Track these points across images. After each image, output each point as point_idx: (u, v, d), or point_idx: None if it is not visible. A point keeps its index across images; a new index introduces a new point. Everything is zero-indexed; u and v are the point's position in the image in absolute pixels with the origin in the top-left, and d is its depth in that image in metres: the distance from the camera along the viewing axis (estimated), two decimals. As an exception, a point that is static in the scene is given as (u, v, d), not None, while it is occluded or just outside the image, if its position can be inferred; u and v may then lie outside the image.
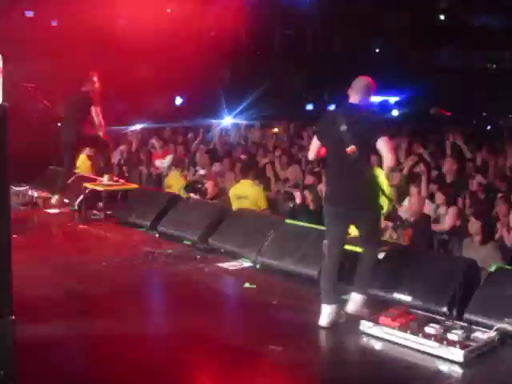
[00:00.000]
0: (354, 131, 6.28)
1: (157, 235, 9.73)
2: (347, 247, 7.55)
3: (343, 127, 6.30)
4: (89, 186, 11.27)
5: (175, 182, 12.07)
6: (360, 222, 6.67)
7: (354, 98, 6.51)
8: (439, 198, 9.83)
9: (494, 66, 34.37)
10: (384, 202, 6.67)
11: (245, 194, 10.61)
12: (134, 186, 11.93)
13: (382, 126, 6.62)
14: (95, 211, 11.12)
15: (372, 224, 6.66)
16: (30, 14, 20.33)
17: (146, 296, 7.57)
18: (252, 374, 5.48)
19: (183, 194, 11.02)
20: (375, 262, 6.73)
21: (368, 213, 6.55)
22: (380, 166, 6.76)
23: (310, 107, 27.43)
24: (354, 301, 6.64)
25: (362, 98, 6.49)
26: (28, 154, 10.92)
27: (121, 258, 8.50)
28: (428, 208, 9.69)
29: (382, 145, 6.29)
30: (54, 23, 21.12)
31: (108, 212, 10.89)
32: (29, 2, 20.04)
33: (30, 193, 11.81)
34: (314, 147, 6.77)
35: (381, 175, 6.60)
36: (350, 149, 6.23)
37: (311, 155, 6.97)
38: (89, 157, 13.77)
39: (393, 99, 28.66)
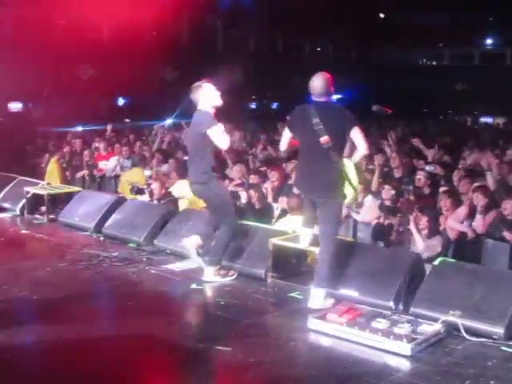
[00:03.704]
0: (327, 123, 6.62)
1: (101, 238, 9.62)
2: (295, 245, 7.62)
3: (316, 119, 6.64)
4: (30, 189, 11.12)
5: (140, 179, 12.02)
6: (320, 210, 6.89)
7: (318, 97, 6.81)
8: (386, 192, 9.89)
9: (434, 63, 34.84)
10: (349, 191, 6.88)
11: (182, 194, 10.62)
12: (77, 188, 11.80)
13: (352, 117, 6.80)
14: (38, 215, 10.96)
15: (330, 214, 6.81)
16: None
17: (92, 300, 7.46)
18: (201, 376, 5.46)
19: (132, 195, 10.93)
20: (331, 256, 6.78)
21: (329, 201, 6.77)
22: (349, 157, 7.04)
23: (253, 106, 27.47)
24: (314, 296, 6.71)
25: (325, 94, 6.82)
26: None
27: (65, 263, 8.37)
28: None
29: (356, 134, 6.68)
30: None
31: (51, 216, 10.75)
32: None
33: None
34: (286, 139, 7.15)
35: (350, 166, 6.87)
36: (324, 139, 6.57)
37: (283, 147, 7.32)
38: (58, 160, 13.65)
39: (335, 97, 28.88)
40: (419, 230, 8.60)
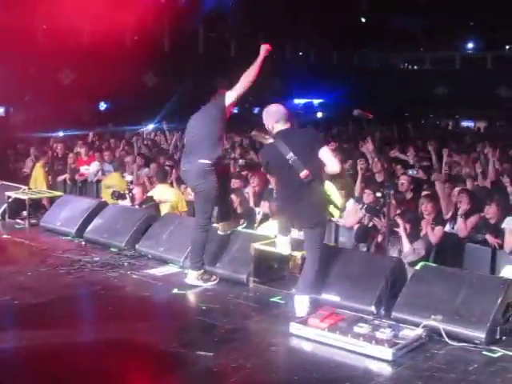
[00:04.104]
0: (300, 154, 6.53)
1: (83, 243, 9.59)
2: (277, 250, 7.62)
3: (289, 154, 6.54)
4: (12, 194, 11.07)
5: (118, 183, 12.03)
6: (306, 232, 6.91)
7: (282, 126, 6.77)
8: (367, 196, 9.91)
9: (415, 67, 34.94)
10: (334, 211, 6.91)
11: (163, 198, 10.65)
12: (58, 193, 11.77)
13: (320, 137, 6.91)
14: (19, 220, 10.90)
15: (317, 233, 6.82)
16: None
17: (73, 305, 7.43)
18: (182, 381, 5.46)
19: (113, 200, 10.93)
20: (319, 265, 6.77)
21: (316, 228, 6.79)
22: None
23: (234, 111, 27.44)
24: (300, 303, 6.68)
25: (288, 122, 6.79)
26: None
27: (47, 268, 8.33)
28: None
29: (324, 154, 6.61)
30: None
31: (32, 221, 10.70)
32: None
33: None
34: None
35: (331, 189, 6.85)
36: (304, 174, 6.51)
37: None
38: (44, 165, 13.58)
39: (316, 101, 28.98)
40: (407, 234, 8.63)
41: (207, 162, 7.44)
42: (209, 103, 7.73)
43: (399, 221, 8.66)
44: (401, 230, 8.63)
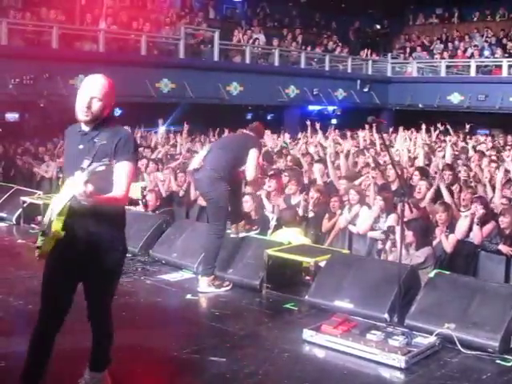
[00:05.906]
0: None
1: (97, 248, 9.58)
2: (290, 256, 7.64)
3: None
4: (27, 199, 11.11)
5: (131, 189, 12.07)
6: None
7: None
8: (378, 204, 9.88)
9: (430, 74, 34.82)
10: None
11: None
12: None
13: None
14: (34, 225, 10.94)
15: None
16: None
17: (86, 310, 7.44)
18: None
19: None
20: None
21: None
22: None
23: (248, 117, 27.46)
24: None
25: None
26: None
27: (60, 272, 8.34)
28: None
29: None
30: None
31: (47, 225, 10.71)
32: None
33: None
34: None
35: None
36: None
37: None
38: None
39: (331, 108, 28.96)
40: (403, 240, 8.55)
41: (216, 169, 7.58)
42: (237, 135, 7.87)
43: (396, 227, 8.55)
44: (396, 236, 8.52)
